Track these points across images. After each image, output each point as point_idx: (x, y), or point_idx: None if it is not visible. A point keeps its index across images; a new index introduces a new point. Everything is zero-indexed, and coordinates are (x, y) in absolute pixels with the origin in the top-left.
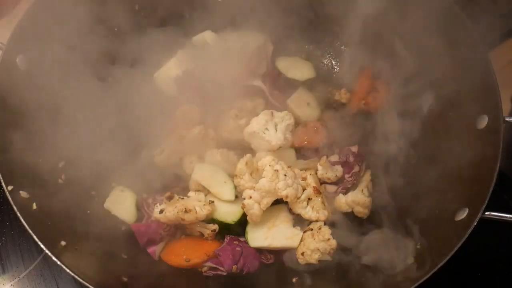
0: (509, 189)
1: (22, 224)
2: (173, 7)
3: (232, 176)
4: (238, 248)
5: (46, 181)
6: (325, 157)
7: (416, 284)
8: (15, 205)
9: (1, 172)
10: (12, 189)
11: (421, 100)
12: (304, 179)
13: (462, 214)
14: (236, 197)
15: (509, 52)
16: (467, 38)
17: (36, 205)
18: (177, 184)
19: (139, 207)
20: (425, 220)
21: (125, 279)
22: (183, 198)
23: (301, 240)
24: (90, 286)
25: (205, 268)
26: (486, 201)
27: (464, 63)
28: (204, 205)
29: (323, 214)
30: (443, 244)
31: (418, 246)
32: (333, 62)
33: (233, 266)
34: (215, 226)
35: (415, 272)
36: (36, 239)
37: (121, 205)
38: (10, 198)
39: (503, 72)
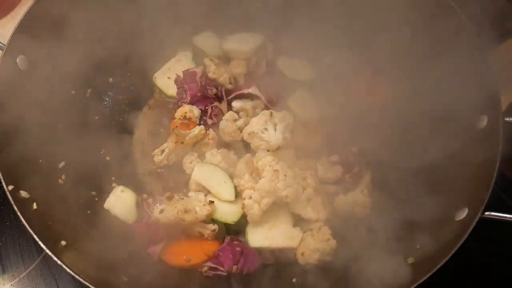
0: (509, 189)
1: (22, 224)
2: (174, 8)
3: (232, 176)
4: (238, 248)
5: (46, 181)
6: (325, 157)
7: (416, 284)
8: (15, 205)
9: (1, 172)
10: (12, 189)
11: (421, 100)
12: (304, 179)
13: (462, 214)
14: (236, 197)
15: (509, 52)
16: (467, 38)
17: (36, 205)
18: (177, 184)
19: (139, 207)
20: (425, 220)
21: (125, 279)
22: (183, 198)
23: (301, 240)
24: (90, 286)
25: (205, 268)
26: (486, 201)
27: (464, 63)
28: (204, 205)
29: (323, 214)
30: (443, 244)
31: (418, 246)
32: (333, 62)
33: (233, 266)
34: (215, 226)
35: (415, 272)
36: (36, 239)
37: (121, 205)
38: (10, 198)
39: (503, 72)
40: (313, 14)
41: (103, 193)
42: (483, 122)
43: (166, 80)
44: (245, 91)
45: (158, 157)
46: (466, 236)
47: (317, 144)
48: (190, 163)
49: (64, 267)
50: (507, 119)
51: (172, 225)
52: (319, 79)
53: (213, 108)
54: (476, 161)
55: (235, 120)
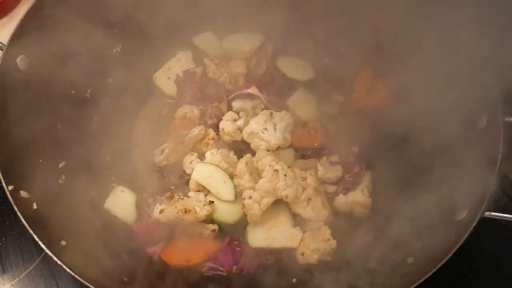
0: (509, 189)
1: (22, 224)
2: (174, 8)
3: (232, 176)
4: (238, 248)
5: (46, 181)
6: (325, 157)
7: (416, 284)
8: (15, 205)
9: (1, 172)
10: (12, 189)
11: (420, 100)
12: (304, 179)
13: (462, 214)
14: (236, 197)
15: None
16: (467, 39)
17: (36, 205)
18: (177, 184)
19: (139, 207)
20: (425, 220)
21: (125, 279)
22: (183, 198)
23: (301, 240)
24: (90, 286)
25: (205, 268)
26: (486, 201)
27: (464, 63)
28: (204, 205)
29: (323, 214)
30: (443, 244)
31: (418, 246)
32: (333, 62)
33: (233, 266)
34: (215, 226)
35: (415, 272)
36: (36, 239)
37: (121, 205)
38: (10, 198)
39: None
40: (313, 14)
41: (103, 193)
42: (483, 122)
43: (166, 80)
44: (245, 91)
45: (158, 157)
46: (466, 236)
47: (317, 144)
48: (190, 163)
49: (64, 267)
50: (507, 119)
51: (172, 225)
52: (319, 79)
53: (213, 108)
54: (476, 161)
55: (235, 120)
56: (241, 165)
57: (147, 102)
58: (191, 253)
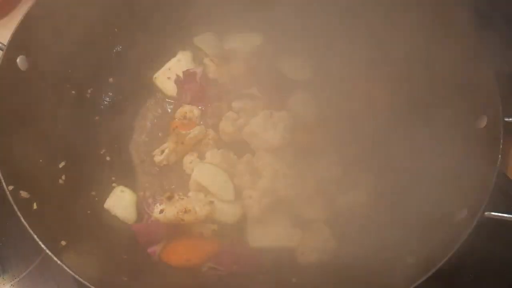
0: (509, 189)
1: (22, 224)
2: (174, 8)
3: (232, 176)
4: (238, 248)
5: (46, 181)
6: (325, 157)
7: (416, 284)
8: (15, 205)
9: (2, 172)
10: (12, 189)
11: (420, 100)
12: (304, 179)
13: (462, 214)
14: (236, 197)
15: None
16: (467, 39)
17: (36, 205)
18: (177, 184)
19: (139, 207)
20: (425, 220)
21: (125, 279)
22: (183, 198)
23: (301, 240)
24: (90, 286)
25: (205, 268)
26: (486, 201)
27: (464, 63)
28: (204, 205)
29: (323, 214)
30: (443, 244)
31: (418, 246)
32: (333, 62)
33: (233, 266)
34: (215, 226)
35: (415, 272)
36: (36, 239)
37: (121, 205)
38: (10, 198)
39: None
40: (314, 14)
41: (103, 193)
42: (483, 122)
43: (166, 80)
44: (245, 91)
45: (158, 157)
46: (466, 236)
47: (317, 144)
48: (190, 163)
49: (64, 267)
50: (507, 119)
51: (172, 225)
52: (319, 79)
53: (213, 108)
54: (476, 161)
55: (235, 120)
56: (241, 165)
57: (147, 102)
58: (191, 253)
